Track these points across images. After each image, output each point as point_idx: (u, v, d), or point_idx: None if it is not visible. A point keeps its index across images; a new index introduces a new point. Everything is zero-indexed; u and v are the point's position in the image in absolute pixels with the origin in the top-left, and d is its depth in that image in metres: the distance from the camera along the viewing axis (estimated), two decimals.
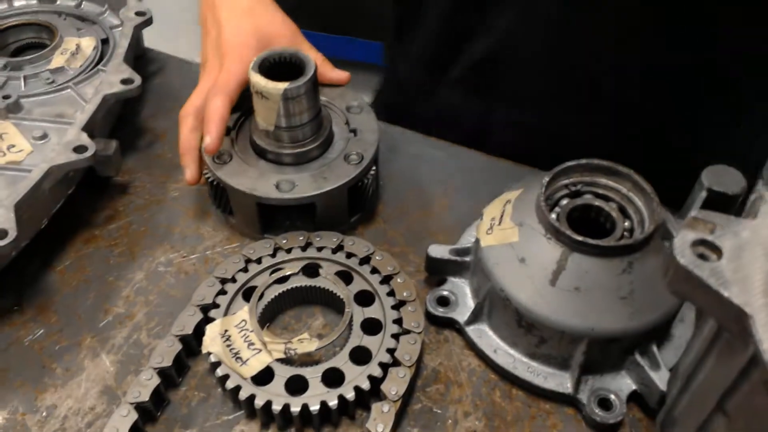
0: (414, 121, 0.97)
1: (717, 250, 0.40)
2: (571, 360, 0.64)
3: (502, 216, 0.69)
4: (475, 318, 0.71)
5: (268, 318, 0.73)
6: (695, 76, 0.82)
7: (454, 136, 0.94)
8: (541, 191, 0.65)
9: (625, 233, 0.65)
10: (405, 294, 0.71)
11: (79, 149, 0.77)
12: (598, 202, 0.67)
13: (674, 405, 0.51)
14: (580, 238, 0.61)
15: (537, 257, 0.64)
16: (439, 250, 0.74)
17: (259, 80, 0.71)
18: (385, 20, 1.11)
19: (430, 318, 0.73)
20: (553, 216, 0.65)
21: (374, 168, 0.80)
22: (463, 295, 0.73)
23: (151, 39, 1.08)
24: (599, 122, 0.88)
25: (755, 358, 0.37)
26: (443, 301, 0.73)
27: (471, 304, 0.72)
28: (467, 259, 0.73)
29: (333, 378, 0.65)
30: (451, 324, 0.72)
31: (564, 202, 0.68)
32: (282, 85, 0.71)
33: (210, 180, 0.78)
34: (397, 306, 0.70)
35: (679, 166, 0.72)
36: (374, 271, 0.73)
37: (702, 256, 0.40)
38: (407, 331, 0.68)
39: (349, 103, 0.85)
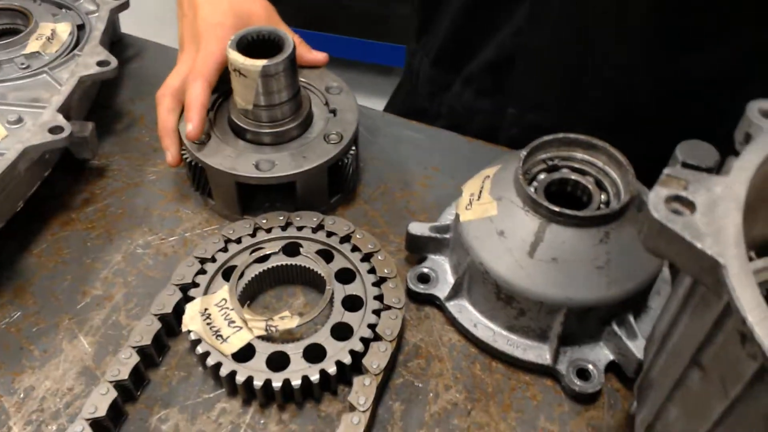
0: (428, 121, 0.97)
1: (690, 205, 0.41)
2: (550, 331, 0.65)
3: (480, 191, 0.70)
4: (455, 293, 0.71)
5: (248, 297, 0.72)
6: (706, 75, 0.83)
7: (465, 132, 0.94)
8: (519, 165, 0.66)
9: (602, 205, 0.66)
10: (386, 271, 0.71)
11: (55, 130, 0.76)
12: (574, 176, 0.68)
13: (650, 367, 0.52)
14: (557, 209, 0.62)
15: (515, 230, 0.65)
16: (419, 228, 0.74)
17: (237, 58, 0.71)
18: (408, 23, 1.12)
19: (411, 295, 0.73)
20: (530, 189, 0.65)
21: (354, 148, 0.80)
22: (443, 272, 0.74)
23: (128, 26, 1.07)
24: (611, 122, 0.89)
25: (728, 307, 0.38)
26: (423, 278, 0.74)
27: (451, 280, 0.72)
28: (447, 236, 0.74)
29: (314, 354, 0.65)
30: (431, 300, 0.73)
31: (542, 176, 0.69)
32: (260, 63, 0.71)
33: (188, 161, 0.78)
34: (378, 283, 0.70)
35: None
36: (355, 249, 0.73)
37: (676, 212, 0.41)
38: (388, 307, 0.68)
39: (328, 84, 0.85)
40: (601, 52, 0.84)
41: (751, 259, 0.58)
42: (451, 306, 0.71)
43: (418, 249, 0.76)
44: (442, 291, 0.72)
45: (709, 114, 0.84)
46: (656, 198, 0.41)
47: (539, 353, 0.66)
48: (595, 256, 0.62)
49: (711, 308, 0.41)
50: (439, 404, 0.65)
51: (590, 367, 0.65)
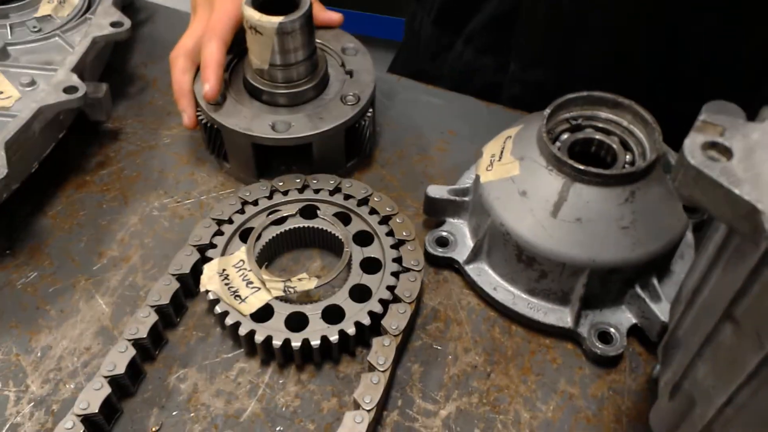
0: (429, 80, 0.95)
1: (727, 152, 0.40)
2: (572, 294, 0.64)
3: (502, 152, 0.68)
4: (474, 257, 0.70)
5: (265, 259, 0.72)
6: (716, 35, 0.81)
7: (466, 92, 0.93)
8: (542, 123, 0.64)
9: (627, 166, 0.64)
10: (404, 233, 0.70)
11: (69, 90, 0.75)
12: (599, 136, 0.66)
13: (677, 326, 0.51)
14: (582, 167, 0.60)
15: (538, 189, 0.63)
16: (437, 191, 0.73)
17: (252, 14, 0.70)
18: None
19: (430, 259, 0.72)
20: (555, 147, 0.64)
21: (371, 110, 0.79)
22: (462, 235, 0.73)
23: None
24: (611, 79, 0.87)
25: (766, 255, 0.37)
26: (442, 242, 0.73)
27: (470, 243, 0.71)
28: (466, 199, 0.72)
29: (333, 315, 0.64)
30: (450, 264, 0.72)
31: (565, 136, 0.67)
32: (276, 19, 0.69)
33: (204, 122, 0.77)
34: (397, 245, 0.69)
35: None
36: (373, 212, 0.72)
37: (712, 158, 0.40)
38: (407, 269, 0.67)
39: (344, 45, 0.83)
40: (601, 6, 0.82)
41: None
42: (471, 269, 0.70)
43: (436, 212, 0.74)
44: (461, 254, 0.71)
45: (703, 73, 0.83)
46: (692, 144, 0.40)
47: (560, 316, 0.65)
48: (621, 216, 0.61)
49: (746, 258, 0.40)
50: (459, 366, 0.64)
51: (612, 330, 0.64)
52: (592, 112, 0.67)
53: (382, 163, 0.83)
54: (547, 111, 0.65)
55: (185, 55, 0.77)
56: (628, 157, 0.65)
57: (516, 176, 0.65)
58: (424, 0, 1.01)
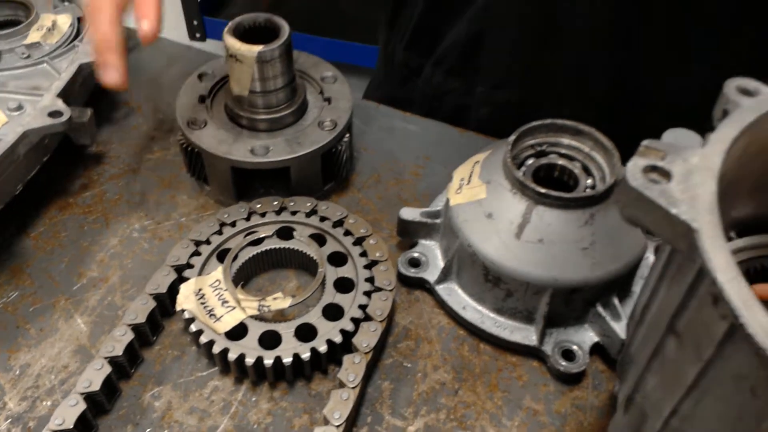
0: (402, 105, 0.98)
1: (667, 174, 0.42)
2: (536, 312, 0.66)
3: (471, 176, 0.71)
4: (444, 277, 0.72)
5: (242, 279, 0.74)
6: (668, 48, 0.85)
7: (437, 116, 0.96)
8: (507, 149, 0.67)
9: (588, 190, 0.67)
10: (377, 254, 0.72)
11: (54, 114, 0.77)
12: (561, 161, 0.69)
13: (631, 342, 0.54)
14: (543, 191, 0.63)
15: (503, 212, 0.66)
16: (410, 213, 0.75)
17: (233, 43, 0.73)
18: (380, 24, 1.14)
19: (402, 279, 0.74)
20: (519, 172, 0.67)
21: (348, 135, 0.82)
22: (433, 256, 0.75)
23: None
24: (577, 97, 0.91)
25: (702, 271, 0.39)
26: (414, 263, 0.75)
27: (441, 264, 0.74)
28: (437, 221, 0.75)
29: (306, 333, 0.66)
30: (421, 284, 0.74)
31: (530, 161, 0.70)
32: (256, 48, 0.72)
33: (184, 146, 0.79)
34: (370, 266, 0.71)
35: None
36: (347, 233, 0.74)
37: (653, 181, 0.42)
38: (379, 289, 0.69)
39: (323, 73, 0.86)
40: (565, 28, 0.86)
41: (731, 239, 0.59)
42: (441, 289, 0.72)
43: (409, 234, 0.77)
44: (432, 274, 0.73)
45: (660, 97, 0.86)
46: (634, 167, 0.43)
47: (526, 335, 0.67)
48: (581, 237, 0.64)
49: (685, 274, 0.42)
50: (428, 384, 0.66)
51: (575, 348, 0.66)
52: (555, 139, 0.70)
53: (358, 186, 0.86)
54: (512, 138, 0.68)
55: (112, 3, 0.65)
56: (589, 182, 0.68)
57: (483, 199, 0.68)
58: (397, 27, 1.04)
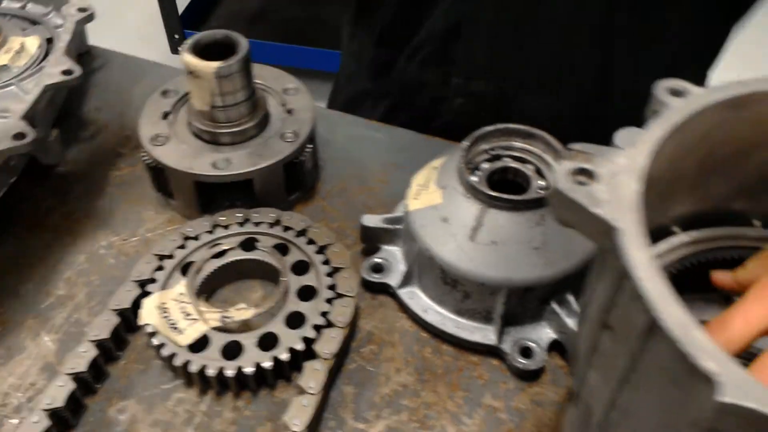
0: (373, 101, 0.98)
1: (593, 176, 0.44)
2: (494, 312, 0.68)
3: (428, 181, 0.72)
4: (406, 281, 0.74)
5: (207, 292, 0.75)
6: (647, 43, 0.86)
7: (411, 109, 0.96)
8: (460, 154, 0.68)
9: (540, 191, 0.68)
10: (340, 262, 0.73)
11: (18, 136, 0.78)
12: (515, 164, 0.71)
13: (577, 337, 0.55)
14: (494, 194, 0.64)
15: (458, 216, 0.67)
16: (372, 220, 0.77)
17: (191, 60, 0.74)
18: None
19: (366, 285, 0.76)
20: (474, 178, 0.68)
21: (311, 146, 0.83)
22: (396, 261, 0.76)
23: (110, 43, 1.10)
24: (553, 89, 0.92)
25: (625, 269, 0.41)
26: (377, 268, 0.76)
27: (403, 269, 0.75)
28: (399, 226, 0.76)
29: (269, 342, 0.67)
30: (385, 289, 0.75)
31: (485, 165, 0.71)
32: (215, 64, 0.74)
33: (148, 162, 0.81)
34: (332, 273, 0.72)
35: None
36: (311, 242, 0.76)
37: (580, 183, 0.44)
38: (341, 296, 0.70)
39: (285, 85, 0.88)
40: (544, 17, 0.87)
41: (675, 233, 0.60)
42: (403, 293, 0.73)
43: (372, 240, 0.78)
44: (394, 279, 0.74)
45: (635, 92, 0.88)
46: (561, 171, 0.44)
47: (485, 334, 0.69)
48: (532, 237, 0.65)
49: (612, 271, 0.44)
50: (390, 386, 0.67)
51: (533, 345, 0.67)
52: (508, 143, 0.72)
53: (324, 195, 0.87)
54: (465, 143, 0.69)
55: None
56: (542, 183, 0.69)
57: (439, 204, 0.69)
58: (363, 22, 1.04)
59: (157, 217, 0.84)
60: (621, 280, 0.42)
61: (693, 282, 0.58)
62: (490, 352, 0.69)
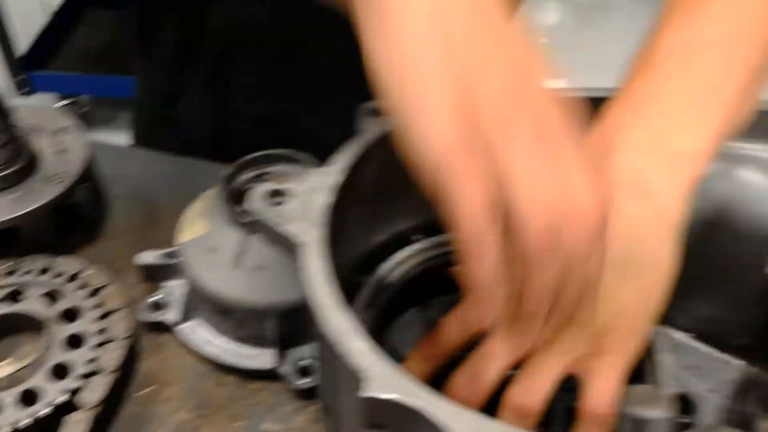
0: (164, 137, 0.97)
1: (285, 195, 0.46)
2: (269, 336, 0.68)
3: (197, 212, 0.72)
4: (185, 316, 0.72)
5: None
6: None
7: (203, 138, 0.95)
8: (222, 183, 0.69)
9: None
10: (114, 304, 0.71)
11: None
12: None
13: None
14: (251, 220, 0.65)
15: (224, 244, 0.67)
16: (148, 257, 0.75)
17: None
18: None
19: (148, 324, 0.74)
20: (234, 205, 0.69)
21: (86, 184, 0.80)
22: (177, 297, 0.75)
23: None
24: (327, 110, 0.95)
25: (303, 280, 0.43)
26: (158, 306, 0.74)
27: (183, 303, 0.74)
28: (178, 260, 0.75)
29: (31, 397, 0.63)
30: (166, 327, 0.73)
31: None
32: None
33: None
34: (105, 316, 0.70)
35: None
36: (83, 286, 0.73)
37: (275, 203, 0.45)
38: (112, 340, 0.68)
39: (58, 125, 0.84)
40: (310, 42, 0.90)
41: (417, 240, 0.64)
42: (184, 328, 0.72)
43: (153, 278, 0.76)
44: (174, 315, 0.73)
45: None
46: (255, 194, 0.46)
47: (264, 359, 0.69)
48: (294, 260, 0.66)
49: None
50: (166, 428, 0.65)
51: (310, 363, 0.68)
52: (275, 168, 0.73)
53: (110, 235, 0.84)
54: (224, 173, 0.70)
55: None
56: None
57: (207, 234, 0.69)
58: (146, 48, 1.03)
59: None
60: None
61: (436, 283, 0.62)
62: (272, 376, 0.69)
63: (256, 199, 0.45)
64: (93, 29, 2.97)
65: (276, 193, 0.46)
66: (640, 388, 0.47)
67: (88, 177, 0.81)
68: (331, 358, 0.40)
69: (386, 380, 0.35)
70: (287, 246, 0.44)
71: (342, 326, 0.38)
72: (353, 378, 0.36)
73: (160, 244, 0.83)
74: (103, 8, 3.01)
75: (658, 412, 0.45)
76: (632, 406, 0.45)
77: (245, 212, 0.67)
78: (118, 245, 0.83)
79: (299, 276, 0.44)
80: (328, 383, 0.50)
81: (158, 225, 0.86)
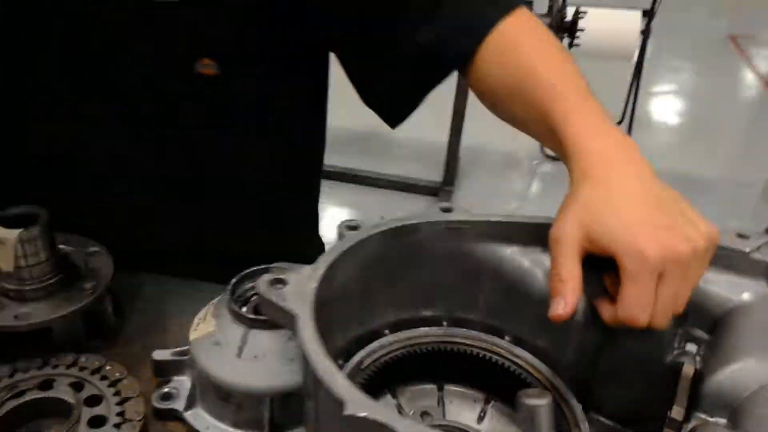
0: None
1: (284, 282, 0.63)
2: (263, 419, 0.81)
3: (206, 314, 0.88)
4: (191, 404, 0.85)
5: (5, 430, 0.81)
6: None
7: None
8: (227, 290, 0.85)
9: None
10: (129, 392, 0.84)
11: None
12: None
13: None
14: (252, 317, 0.81)
15: (228, 338, 0.83)
16: (163, 354, 0.89)
17: None
18: None
19: (157, 413, 0.86)
20: (244, 308, 0.85)
21: (109, 296, 0.96)
22: (184, 389, 0.88)
23: None
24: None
25: (300, 340, 0.58)
26: (167, 396, 0.87)
27: (189, 393, 0.87)
28: (185, 357, 0.89)
29: None
30: (175, 415, 0.86)
31: (254, 298, 0.89)
32: (16, 231, 0.87)
33: None
34: (122, 402, 0.83)
35: None
36: (104, 378, 0.86)
37: (277, 288, 0.62)
38: (128, 420, 0.81)
39: (88, 249, 1.02)
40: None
41: (385, 335, 0.80)
42: (189, 415, 0.85)
43: (164, 373, 0.90)
44: (182, 404, 0.86)
45: None
46: (262, 281, 0.63)
47: None
48: (287, 350, 0.81)
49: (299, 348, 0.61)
50: None
51: None
52: (276, 264, 0.90)
53: (126, 341, 0.98)
54: (233, 281, 0.86)
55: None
56: None
57: (213, 331, 0.84)
58: None
59: None
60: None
61: (400, 371, 0.77)
62: None
63: (263, 285, 0.62)
64: None
65: (277, 281, 0.63)
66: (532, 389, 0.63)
67: (110, 289, 0.97)
68: (318, 390, 0.54)
69: (361, 403, 0.50)
70: (286, 320, 0.59)
71: (328, 368, 0.53)
72: (337, 403, 0.51)
73: (168, 345, 0.97)
74: None
75: (543, 402, 0.61)
76: (527, 398, 0.61)
77: (247, 311, 0.83)
78: (136, 347, 0.97)
79: (296, 342, 0.60)
80: (313, 412, 0.63)
81: (167, 330, 1.01)
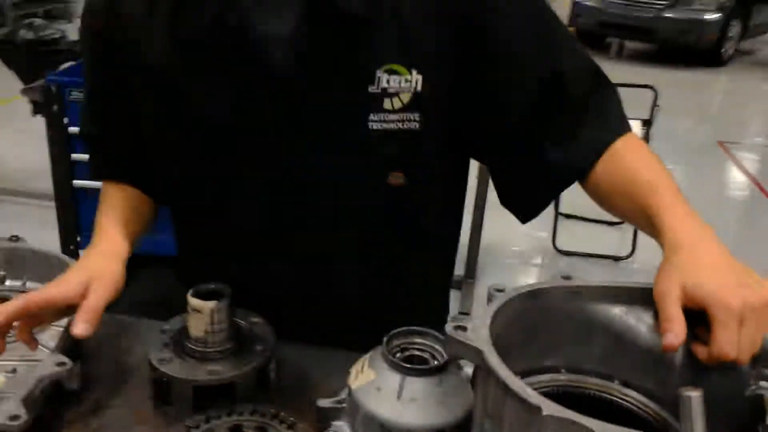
0: None
1: (465, 328, 0.84)
2: None
3: (362, 366, 1.08)
4: None
5: None
6: None
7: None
8: (384, 345, 1.07)
9: (436, 363, 1.07)
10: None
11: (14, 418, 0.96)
12: (418, 352, 1.10)
13: None
14: (406, 366, 1.02)
15: (387, 385, 1.03)
16: (326, 402, 1.09)
17: (194, 301, 1.10)
18: None
19: None
20: (392, 357, 1.05)
21: (273, 358, 1.17)
22: (345, 430, 1.07)
23: None
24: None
25: (489, 367, 0.79)
26: None
27: None
28: (344, 405, 1.09)
29: None
30: None
31: (398, 354, 1.10)
32: (211, 303, 1.10)
33: (155, 378, 1.09)
34: None
35: None
36: (282, 422, 1.06)
37: (460, 331, 0.84)
38: None
39: (251, 319, 1.24)
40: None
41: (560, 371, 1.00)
42: None
43: (326, 419, 1.09)
44: None
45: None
46: (448, 327, 0.85)
47: None
48: (437, 395, 1.01)
49: (483, 374, 0.82)
50: None
51: None
52: (412, 339, 1.11)
53: (281, 394, 1.18)
54: (386, 338, 1.08)
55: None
56: (436, 362, 1.08)
57: (374, 379, 1.05)
58: None
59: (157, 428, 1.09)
60: (488, 376, 0.81)
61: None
62: None
63: (449, 329, 0.83)
64: None
65: (459, 327, 0.84)
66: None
67: (274, 351, 1.18)
68: (505, 403, 0.75)
69: (551, 407, 0.70)
70: (471, 355, 0.80)
71: (519, 383, 0.73)
72: (533, 409, 0.71)
73: (325, 395, 1.17)
74: None
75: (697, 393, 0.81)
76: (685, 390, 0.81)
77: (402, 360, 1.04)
78: (294, 399, 1.17)
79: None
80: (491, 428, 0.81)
81: (319, 388, 1.20)
